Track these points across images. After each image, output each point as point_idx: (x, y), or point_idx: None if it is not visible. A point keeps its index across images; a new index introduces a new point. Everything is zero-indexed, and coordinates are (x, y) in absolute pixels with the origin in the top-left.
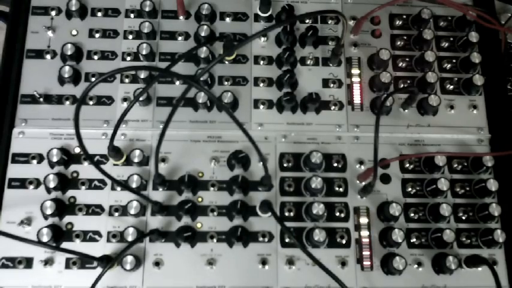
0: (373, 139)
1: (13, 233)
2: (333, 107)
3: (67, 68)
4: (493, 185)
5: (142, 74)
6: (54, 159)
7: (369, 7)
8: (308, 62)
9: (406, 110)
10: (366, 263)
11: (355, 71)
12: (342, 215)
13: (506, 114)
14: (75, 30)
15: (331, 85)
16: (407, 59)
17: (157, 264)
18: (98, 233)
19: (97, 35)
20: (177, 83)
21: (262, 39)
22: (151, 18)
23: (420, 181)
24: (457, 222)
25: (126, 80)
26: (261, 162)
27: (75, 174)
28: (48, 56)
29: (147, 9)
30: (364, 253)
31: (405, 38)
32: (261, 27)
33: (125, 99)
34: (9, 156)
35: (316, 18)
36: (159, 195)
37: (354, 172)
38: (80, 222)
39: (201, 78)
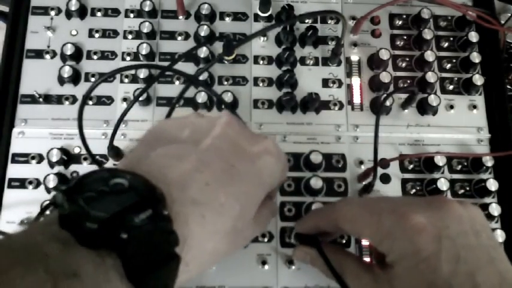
0: (373, 139)
1: None
2: (332, 107)
3: (67, 68)
4: (492, 185)
5: (142, 74)
6: (54, 159)
7: (369, 7)
8: (308, 62)
9: (406, 110)
10: (366, 259)
11: (354, 70)
12: None
13: (506, 114)
14: (75, 30)
15: (331, 85)
16: (407, 59)
17: None
18: None
19: (97, 35)
20: (177, 82)
21: (262, 39)
22: (151, 18)
23: (420, 181)
24: None
25: (126, 80)
26: None
27: (75, 175)
28: (48, 56)
29: (146, 9)
30: (364, 252)
31: (405, 38)
32: (261, 27)
33: (124, 99)
34: (9, 156)
35: (316, 18)
36: None
37: (354, 172)
38: None
39: (201, 78)
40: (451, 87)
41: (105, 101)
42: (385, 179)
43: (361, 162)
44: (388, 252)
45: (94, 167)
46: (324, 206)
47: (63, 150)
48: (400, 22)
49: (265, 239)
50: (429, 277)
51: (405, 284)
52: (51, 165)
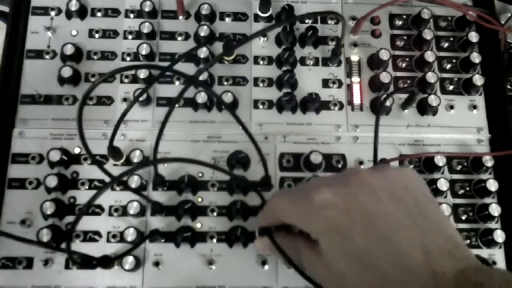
0: (372, 139)
1: (13, 233)
2: (332, 107)
3: (67, 68)
4: (492, 185)
5: (142, 74)
6: (54, 159)
7: (369, 7)
8: (308, 62)
9: (406, 110)
10: None
11: (354, 71)
12: None
13: (506, 114)
14: (75, 31)
15: (331, 85)
16: (407, 59)
17: (157, 264)
18: (97, 233)
19: (97, 35)
20: (177, 83)
21: (262, 39)
22: (151, 18)
23: None
24: (456, 222)
25: (126, 80)
26: (261, 162)
27: (75, 175)
28: (48, 56)
29: (147, 9)
30: None
31: (405, 38)
32: (261, 27)
33: (124, 99)
34: (9, 157)
35: (316, 18)
36: (159, 195)
37: None
38: (80, 222)
39: (201, 78)
40: (451, 87)
41: (105, 101)
42: None
43: (361, 163)
44: (309, 232)
45: (94, 168)
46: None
47: (63, 151)
48: (400, 22)
49: None
50: (347, 248)
51: (331, 257)
52: (51, 165)
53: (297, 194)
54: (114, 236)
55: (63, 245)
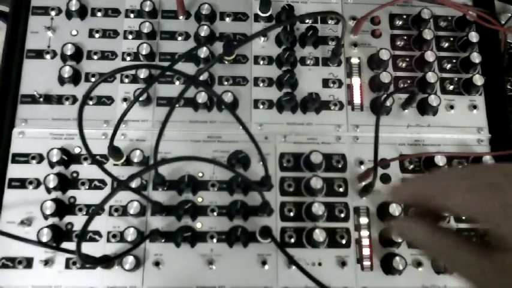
0: (373, 139)
1: (13, 233)
2: (333, 107)
3: (67, 68)
4: None
5: (142, 74)
6: (54, 159)
7: (369, 7)
8: (308, 62)
9: (406, 110)
10: (366, 263)
11: (354, 71)
12: (342, 215)
13: (506, 114)
14: (75, 30)
15: (331, 85)
16: (407, 59)
17: (157, 264)
18: (98, 233)
19: (97, 35)
20: (177, 83)
21: (262, 39)
22: (151, 18)
23: None
24: (456, 222)
25: (126, 80)
26: (261, 162)
27: (75, 175)
28: (48, 56)
29: (147, 9)
30: (364, 253)
31: (405, 38)
32: (261, 27)
33: (124, 99)
34: (9, 156)
35: (316, 18)
36: (159, 195)
37: (354, 172)
38: (80, 222)
39: (201, 78)
40: (451, 87)
41: (105, 101)
42: (386, 179)
43: (361, 163)
44: (501, 236)
45: (94, 167)
46: (422, 176)
47: (63, 150)
48: (400, 22)
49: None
50: None
51: None
52: (52, 165)
53: (482, 184)
54: (114, 236)
55: (63, 245)
